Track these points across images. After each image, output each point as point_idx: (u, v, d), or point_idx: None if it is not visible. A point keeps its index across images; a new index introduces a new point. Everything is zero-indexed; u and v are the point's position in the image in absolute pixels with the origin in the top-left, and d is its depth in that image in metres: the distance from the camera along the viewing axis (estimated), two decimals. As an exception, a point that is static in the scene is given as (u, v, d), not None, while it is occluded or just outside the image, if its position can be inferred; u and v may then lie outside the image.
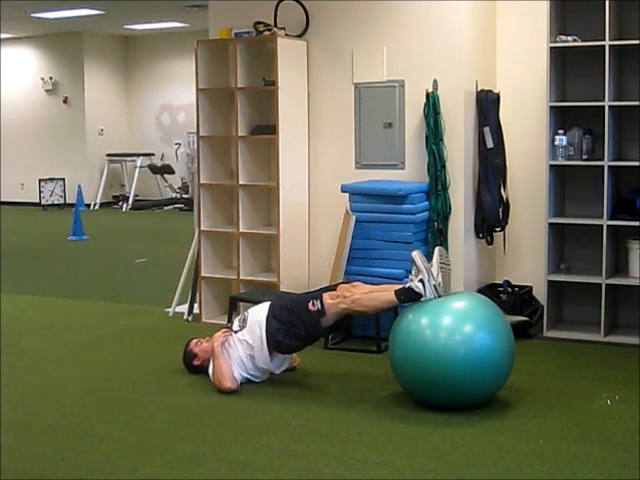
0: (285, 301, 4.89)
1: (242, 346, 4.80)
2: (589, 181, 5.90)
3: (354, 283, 4.98)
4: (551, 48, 5.67)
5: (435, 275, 4.41)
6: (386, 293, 4.61)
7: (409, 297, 4.46)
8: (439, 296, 4.40)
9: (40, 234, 12.72)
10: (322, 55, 6.33)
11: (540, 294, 5.97)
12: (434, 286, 4.39)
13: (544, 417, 4.27)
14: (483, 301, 4.56)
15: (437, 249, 4.56)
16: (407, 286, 4.46)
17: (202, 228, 6.49)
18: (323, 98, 6.36)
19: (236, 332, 4.86)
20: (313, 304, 4.69)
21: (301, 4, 6.28)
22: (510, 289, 6.18)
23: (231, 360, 4.79)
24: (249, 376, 4.84)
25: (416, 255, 4.47)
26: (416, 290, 4.41)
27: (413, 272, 4.47)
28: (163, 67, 16.82)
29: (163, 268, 8.97)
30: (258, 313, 4.84)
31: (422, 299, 4.41)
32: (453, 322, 4.33)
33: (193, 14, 13.55)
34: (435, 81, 5.88)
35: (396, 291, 4.53)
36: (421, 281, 4.40)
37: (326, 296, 4.74)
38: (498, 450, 3.83)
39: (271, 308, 4.81)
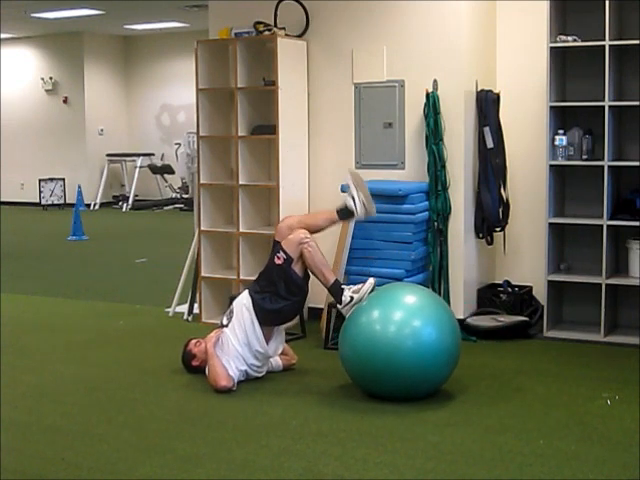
0: (258, 275, 5.06)
1: (235, 336, 4.85)
2: (589, 181, 5.90)
3: (290, 221, 5.09)
4: (551, 48, 5.67)
5: (363, 301, 4.68)
6: (330, 272, 4.90)
7: (335, 294, 4.78)
8: (368, 211, 4.93)
9: (40, 234, 12.72)
10: (322, 55, 6.33)
11: (540, 294, 5.97)
12: (362, 202, 4.86)
13: (544, 417, 4.27)
14: (433, 297, 4.80)
15: (370, 282, 4.76)
16: (342, 287, 4.78)
17: (202, 228, 6.49)
18: (323, 98, 6.37)
19: (226, 326, 4.92)
20: (278, 257, 4.88)
21: (301, 4, 6.28)
22: (510, 289, 6.18)
23: (228, 356, 4.81)
24: (248, 368, 4.86)
25: (371, 283, 4.72)
26: (342, 297, 4.71)
27: (355, 287, 4.75)
28: (163, 67, 16.82)
29: (163, 268, 8.97)
30: (241, 299, 4.97)
31: (337, 306, 4.76)
32: (403, 316, 4.49)
33: (193, 14, 13.56)
34: (435, 81, 5.88)
35: (336, 280, 4.86)
36: (351, 298, 4.68)
37: (285, 243, 4.90)
38: (498, 450, 3.83)
39: (250, 288, 5.00)
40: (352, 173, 5.10)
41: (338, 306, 4.78)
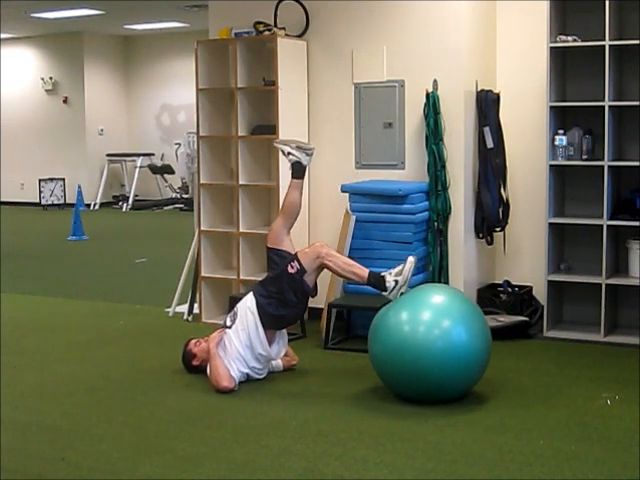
0: (266, 278, 5.04)
1: (238, 338, 4.84)
2: (589, 181, 5.90)
3: (275, 227, 5.18)
4: (551, 48, 5.67)
5: (408, 281, 4.69)
6: (360, 268, 4.87)
7: (377, 284, 4.72)
8: (306, 149, 5.17)
9: (40, 234, 12.72)
10: (322, 55, 6.33)
11: (540, 294, 5.97)
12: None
13: (544, 417, 4.27)
14: (461, 297, 4.71)
15: (410, 260, 4.74)
16: (382, 274, 4.70)
17: (202, 228, 6.49)
18: (323, 98, 6.37)
19: (230, 327, 4.91)
20: (291, 266, 4.86)
21: (301, 4, 6.28)
22: (510, 289, 6.18)
23: (229, 357, 4.80)
24: (249, 370, 4.85)
25: (412, 261, 4.70)
26: (386, 284, 4.67)
27: (395, 270, 4.69)
28: (163, 67, 16.82)
29: (163, 268, 8.97)
30: (245, 302, 4.94)
31: (383, 293, 4.70)
32: (432, 317, 4.44)
33: (193, 14, 13.56)
34: (435, 81, 5.88)
35: (370, 272, 4.80)
36: (396, 282, 4.65)
37: (301, 254, 4.91)
38: (498, 450, 3.83)
39: (255, 291, 4.96)
40: (276, 142, 5.41)
41: (384, 293, 4.69)
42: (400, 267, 4.69)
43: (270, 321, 4.86)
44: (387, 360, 4.47)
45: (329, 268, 4.89)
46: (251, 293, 4.98)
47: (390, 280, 4.66)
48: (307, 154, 5.20)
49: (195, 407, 4.51)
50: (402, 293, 4.65)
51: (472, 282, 6.09)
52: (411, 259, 4.72)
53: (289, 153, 5.18)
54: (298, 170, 5.18)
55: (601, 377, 4.96)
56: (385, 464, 3.70)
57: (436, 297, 4.59)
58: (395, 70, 6.06)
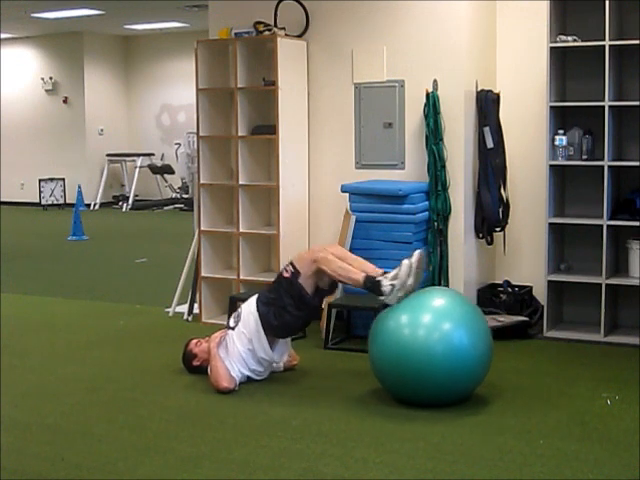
0: (268, 286, 5.02)
1: (240, 340, 4.82)
2: (589, 181, 5.90)
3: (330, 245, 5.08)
4: (551, 48, 5.67)
5: (406, 284, 4.48)
6: (356, 272, 4.70)
7: (373, 289, 4.57)
8: (397, 302, 4.50)
9: (40, 234, 12.72)
10: (322, 55, 6.33)
11: (540, 294, 5.97)
12: (398, 297, 4.49)
13: (544, 417, 4.27)
14: (462, 299, 4.66)
15: (417, 254, 4.59)
16: (377, 279, 4.56)
17: (202, 228, 6.49)
18: (323, 98, 6.36)
19: (233, 328, 4.90)
20: (286, 271, 4.84)
21: (301, 4, 6.28)
22: (510, 289, 6.18)
23: (231, 358, 4.79)
24: (250, 373, 4.85)
25: (405, 263, 4.53)
26: (382, 288, 4.51)
27: (392, 274, 4.53)
28: (163, 67, 16.82)
29: (163, 268, 8.97)
30: (249, 305, 4.92)
31: (380, 298, 4.54)
32: (432, 320, 4.39)
33: (193, 14, 13.57)
34: (435, 81, 5.89)
35: (366, 276, 4.63)
36: (392, 286, 4.49)
37: (297, 258, 4.88)
38: (498, 450, 3.83)
39: (258, 297, 4.93)
40: (418, 257, 4.61)
41: (381, 298, 4.52)
42: (396, 270, 4.52)
43: (271, 329, 4.82)
44: (387, 364, 4.44)
45: (325, 272, 4.76)
46: (255, 297, 4.94)
47: (386, 285, 4.50)
48: (393, 291, 4.52)
49: (195, 407, 4.51)
50: (401, 297, 4.47)
51: (472, 282, 6.09)
52: (405, 261, 4.50)
53: (392, 285, 4.50)
54: (372, 287, 4.59)
55: (601, 377, 4.96)
56: (385, 464, 3.70)
57: (437, 300, 4.55)
58: (395, 70, 6.06)
